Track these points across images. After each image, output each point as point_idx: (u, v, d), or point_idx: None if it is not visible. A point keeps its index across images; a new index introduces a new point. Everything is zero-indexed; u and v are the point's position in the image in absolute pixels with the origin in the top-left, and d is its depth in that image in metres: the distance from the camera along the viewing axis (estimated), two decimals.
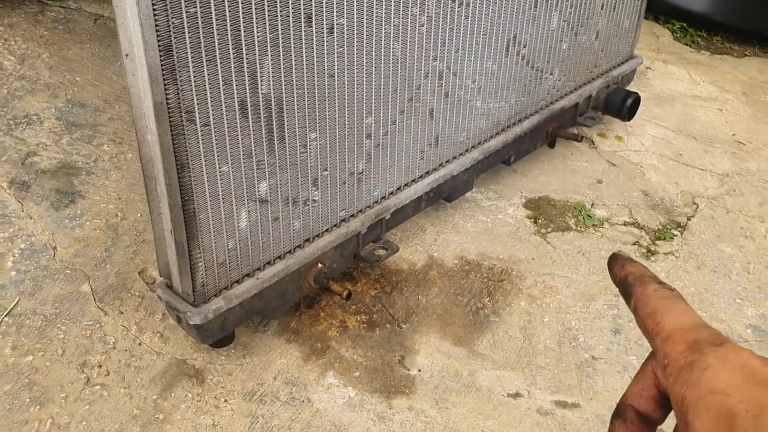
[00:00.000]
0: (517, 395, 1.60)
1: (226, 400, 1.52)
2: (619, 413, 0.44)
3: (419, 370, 1.63)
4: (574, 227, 2.13)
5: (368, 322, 1.74)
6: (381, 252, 1.77)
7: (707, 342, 0.37)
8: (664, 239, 2.11)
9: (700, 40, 3.46)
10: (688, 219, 2.22)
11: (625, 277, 0.45)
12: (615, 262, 0.46)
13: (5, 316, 1.66)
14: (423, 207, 1.91)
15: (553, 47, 2.07)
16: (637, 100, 2.46)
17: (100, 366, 1.56)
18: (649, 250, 2.06)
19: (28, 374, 1.53)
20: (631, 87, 2.60)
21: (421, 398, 1.57)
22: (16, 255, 1.82)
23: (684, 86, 3.02)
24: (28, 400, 1.48)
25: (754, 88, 3.06)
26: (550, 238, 2.08)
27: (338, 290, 1.59)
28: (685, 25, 3.52)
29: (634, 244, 2.08)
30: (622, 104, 2.43)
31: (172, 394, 1.52)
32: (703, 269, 2.01)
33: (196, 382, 1.55)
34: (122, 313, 1.69)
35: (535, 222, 2.13)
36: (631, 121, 2.53)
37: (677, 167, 2.47)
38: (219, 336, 1.49)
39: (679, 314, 0.40)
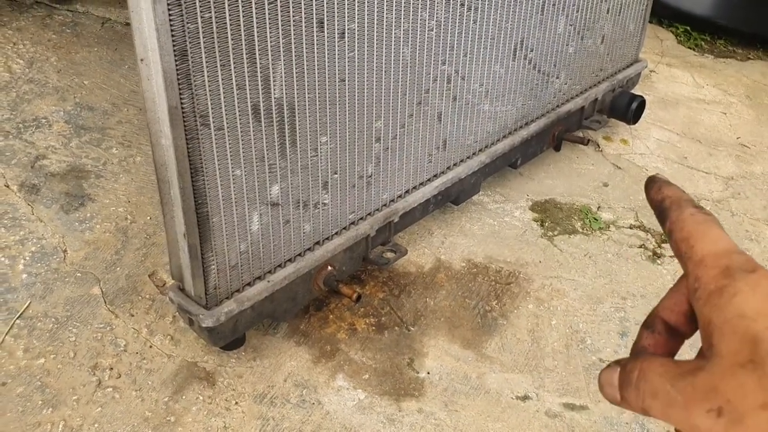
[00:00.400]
0: (525, 398, 1.61)
1: (236, 403, 1.53)
2: (648, 324, 0.44)
3: (428, 373, 1.64)
4: (580, 230, 2.14)
5: (377, 324, 1.75)
6: (389, 255, 1.78)
7: (740, 268, 0.37)
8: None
9: (703, 43, 3.47)
10: None
11: (661, 200, 0.44)
12: (652, 185, 0.45)
13: (17, 318, 1.67)
14: (431, 210, 1.92)
15: (559, 51, 2.09)
16: (642, 104, 2.47)
17: (112, 368, 1.57)
18: (655, 253, 2.07)
19: (40, 377, 1.54)
20: (636, 90, 2.61)
21: (430, 401, 1.58)
22: (27, 258, 1.83)
23: (688, 89, 3.03)
24: (40, 402, 1.49)
25: (758, 92, 3.07)
26: (557, 241, 2.09)
27: (347, 293, 1.60)
28: (688, 28, 3.53)
29: (641, 246, 2.09)
30: (627, 107, 2.44)
31: (183, 397, 1.53)
32: None
33: (207, 384, 1.56)
34: (133, 315, 1.71)
35: (542, 225, 2.14)
36: (637, 124, 2.55)
37: (682, 170, 2.48)
38: (230, 338, 1.50)
39: (714, 239, 0.39)
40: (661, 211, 0.43)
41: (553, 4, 1.95)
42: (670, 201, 0.43)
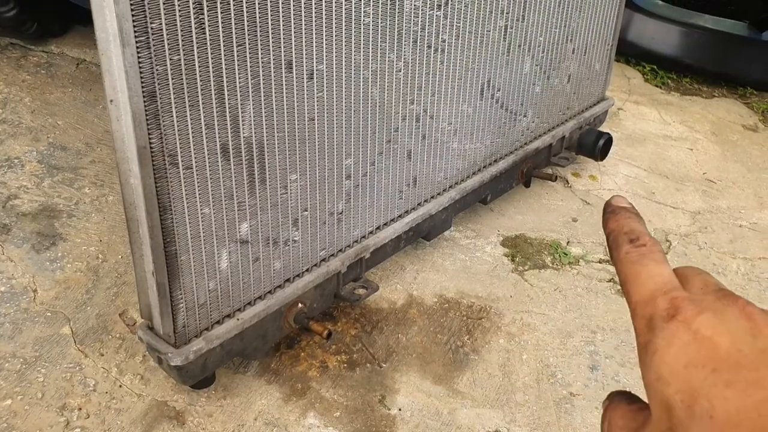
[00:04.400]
0: None
1: None
2: None
3: (400, 410, 1.64)
4: (550, 265, 2.17)
5: (349, 361, 1.75)
6: (361, 291, 1.79)
7: (660, 317, 0.35)
8: None
9: (670, 81, 3.57)
10: None
11: (607, 236, 0.42)
12: (603, 215, 0.44)
13: None
14: (402, 246, 1.94)
15: (526, 90, 2.14)
16: (609, 141, 2.53)
17: (80, 408, 1.56)
18: None
19: (6, 418, 1.52)
20: (604, 127, 2.67)
21: None
22: None
23: (655, 126, 3.10)
24: None
25: (723, 128, 3.15)
26: (528, 275, 2.11)
27: (318, 330, 1.60)
28: (655, 67, 3.62)
29: (610, 281, 2.12)
30: (594, 144, 2.50)
31: None
32: None
33: (177, 423, 1.55)
34: (103, 355, 1.69)
35: (513, 260, 2.17)
36: (604, 160, 2.60)
37: (650, 205, 2.53)
38: (200, 377, 1.49)
39: (644, 281, 0.37)
40: (608, 250, 0.43)
41: (519, 45, 2.01)
42: (612, 238, 0.42)
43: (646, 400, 0.37)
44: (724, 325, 0.33)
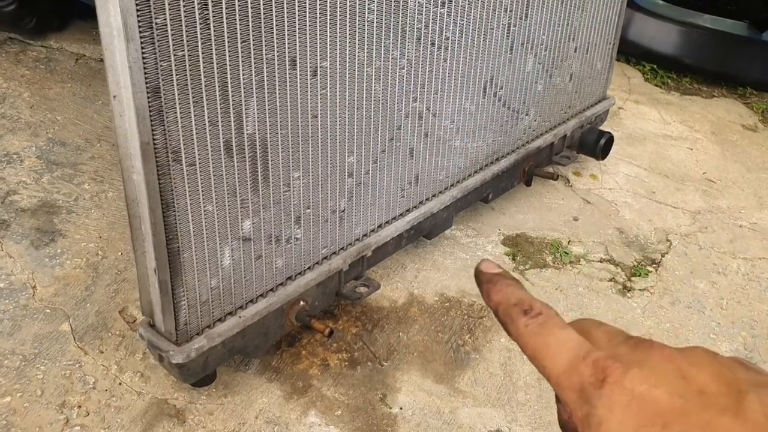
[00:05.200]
0: None
1: None
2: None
3: (401, 408, 1.64)
4: (551, 264, 2.17)
5: (350, 360, 1.74)
6: (362, 289, 1.79)
7: (590, 384, 0.34)
8: (640, 276, 2.15)
9: (670, 81, 3.56)
10: (662, 256, 2.26)
11: (495, 312, 0.40)
12: (480, 286, 0.42)
13: None
14: (404, 244, 1.94)
15: (528, 89, 2.13)
16: (610, 140, 2.52)
17: (80, 406, 1.55)
18: (625, 287, 2.10)
19: (5, 416, 1.51)
20: (605, 127, 2.67)
21: None
22: None
23: (655, 126, 3.10)
24: None
25: (723, 128, 3.15)
26: (529, 274, 2.11)
27: (320, 328, 1.60)
28: (655, 66, 3.62)
29: (611, 280, 2.12)
30: (595, 144, 2.49)
31: None
32: (677, 305, 2.05)
33: (177, 422, 1.54)
34: (102, 352, 1.68)
35: (514, 259, 2.16)
36: (605, 159, 2.60)
37: (650, 205, 2.53)
38: (201, 375, 1.49)
39: (556, 352, 0.36)
40: (501, 325, 0.40)
41: (522, 43, 2.00)
42: (502, 312, 0.40)
43: None
44: (653, 375, 0.33)
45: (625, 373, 0.34)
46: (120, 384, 1.61)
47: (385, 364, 1.75)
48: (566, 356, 0.36)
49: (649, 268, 2.19)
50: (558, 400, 0.41)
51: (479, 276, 0.42)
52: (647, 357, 0.35)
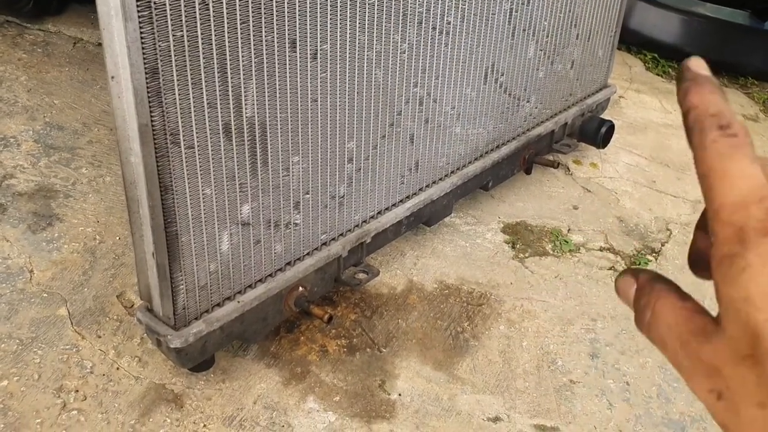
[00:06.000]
0: (496, 419, 1.60)
1: (205, 425, 1.50)
2: (701, 225, 0.38)
3: (399, 395, 1.63)
4: (551, 252, 2.16)
5: (348, 346, 1.74)
6: (361, 276, 1.78)
7: (755, 230, 0.31)
8: (639, 264, 2.14)
9: (671, 70, 3.55)
10: (662, 245, 2.26)
11: (686, 113, 0.35)
12: (679, 83, 0.37)
13: None
14: (403, 231, 1.93)
15: (529, 75, 2.12)
16: (611, 128, 2.51)
17: (77, 391, 1.54)
18: None
19: (2, 399, 1.50)
20: (606, 115, 2.65)
21: (401, 423, 1.57)
22: None
23: (656, 115, 3.09)
24: (2, 426, 1.45)
25: None
26: (528, 262, 2.10)
27: (319, 314, 1.59)
28: (656, 55, 3.60)
29: (610, 268, 2.11)
30: (596, 132, 2.48)
31: (151, 420, 1.50)
32: None
33: (175, 406, 1.53)
34: (100, 337, 1.68)
35: (513, 247, 2.16)
36: (606, 148, 2.58)
37: (651, 194, 2.52)
38: (199, 360, 1.48)
39: (734, 180, 0.32)
40: (686, 129, 0.35)
41: (524, 30, 1.99)
42: (693, 118, 0.35)
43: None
44: None
45: None
46: (117, 369, 1.60)
47: (384, 350, 1.74)
48: (742, 190, 0.32)
49: (649, 257, 2.18)
50: (699, 228, 0.37)
51: (683, 72, 0.37)
52: None
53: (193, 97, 1.20)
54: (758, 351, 0.29)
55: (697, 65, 0.36)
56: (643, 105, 3.16)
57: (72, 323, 1.70)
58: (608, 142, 2.54)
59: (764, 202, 0.31)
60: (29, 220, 2.00)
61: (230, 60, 1.23)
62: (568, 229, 2.27)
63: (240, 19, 1.22)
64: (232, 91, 1.26)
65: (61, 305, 1.75)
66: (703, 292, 1.85)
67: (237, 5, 1.20)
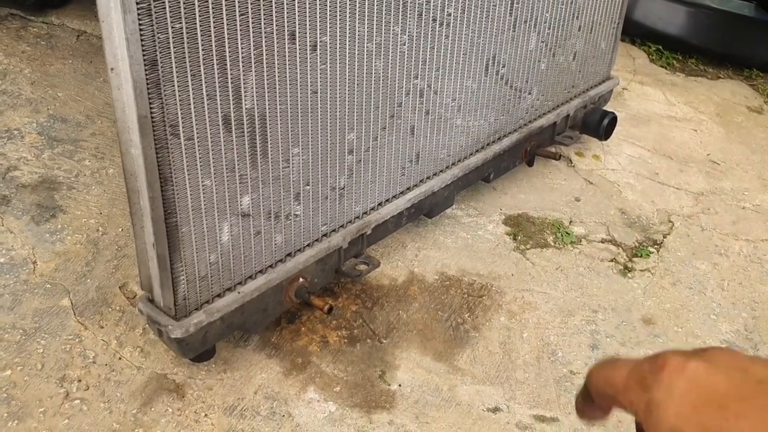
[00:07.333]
0: (496, 410, 1.61)
1: (206, 415, 1.52)
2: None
3: (399, 385, 1.64)
4: (552, 244, 2.16)
5: (349, 337, 1.75)
6: (362, 267, 1.79)
7: (649, 372, 0.36)
8: (641, 256, 2.15)
9: (675, 62, 3.53)
10: (664, 237, 2.25)
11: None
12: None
13: None
14: (404, 223, 1.93)
15: (531, 67, 2.12)
16: (613, 120, 2.51)
17: (80, 380, 1.56)
18: (626, 267, 2.09)
19: (6, 389, 1.52)
20: (608, 107, 2.65)
21: (401, 413, 1.58)
22: None
23: (660, 107, 3.08)
24: (5, 415, 1.47)
25: (728, 110, 3.13)
26: (529, 254, 2.10)
27: (319, 305, 1.60)
28: (660, 47, 3.59)
29: (612, 260, 2.11)
30: (599, 124, 2.48)
31: (152, 409, 1.51)
32: (678, 286, 2.04)
33: (177, 396, 1.55)
34: (102, 327, 1.69)
35: (515, 238, 2.16)
36: (608, 140, 2.58)
37: (653, 186, 2.52)
38: (200, 350, 1.49)
39: (622, 366, 0.39)
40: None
41: (525, 21, 1.98)
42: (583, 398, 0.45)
43: None
44: (714, 367, 0.34)
45: (685, 364, 0.35)
46: (120, 359, 1.62)
47: (385, 341, 1.75)
48: (627, 368, 0.39)
49: (651, 249, 2.18)
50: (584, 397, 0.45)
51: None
52: (708, 354, 0.36)
53: (193, 89, 1.21)
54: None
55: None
56: (647, 97, 3.15)
57: (75, 314, 1.72)
58: (611, 134, 2.54)
59: (647, 358, 0.38)
60: (33, 212, 2.01)
61: (229, 52, 1.24)
62: (570, 221, 2.27)
63: (239, 11, 1.22)
64: (231, 83, 1.27)
65: (64, 296, 1.76)
66: (705, 284, 1.87)
67: None
